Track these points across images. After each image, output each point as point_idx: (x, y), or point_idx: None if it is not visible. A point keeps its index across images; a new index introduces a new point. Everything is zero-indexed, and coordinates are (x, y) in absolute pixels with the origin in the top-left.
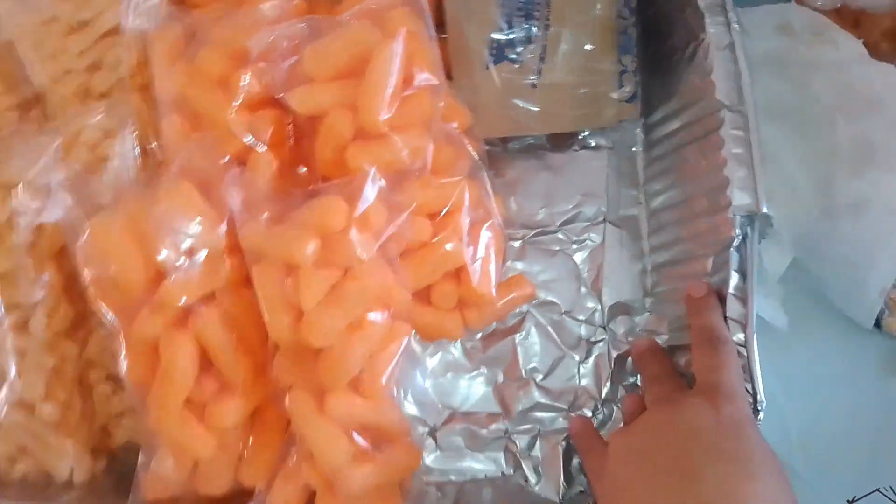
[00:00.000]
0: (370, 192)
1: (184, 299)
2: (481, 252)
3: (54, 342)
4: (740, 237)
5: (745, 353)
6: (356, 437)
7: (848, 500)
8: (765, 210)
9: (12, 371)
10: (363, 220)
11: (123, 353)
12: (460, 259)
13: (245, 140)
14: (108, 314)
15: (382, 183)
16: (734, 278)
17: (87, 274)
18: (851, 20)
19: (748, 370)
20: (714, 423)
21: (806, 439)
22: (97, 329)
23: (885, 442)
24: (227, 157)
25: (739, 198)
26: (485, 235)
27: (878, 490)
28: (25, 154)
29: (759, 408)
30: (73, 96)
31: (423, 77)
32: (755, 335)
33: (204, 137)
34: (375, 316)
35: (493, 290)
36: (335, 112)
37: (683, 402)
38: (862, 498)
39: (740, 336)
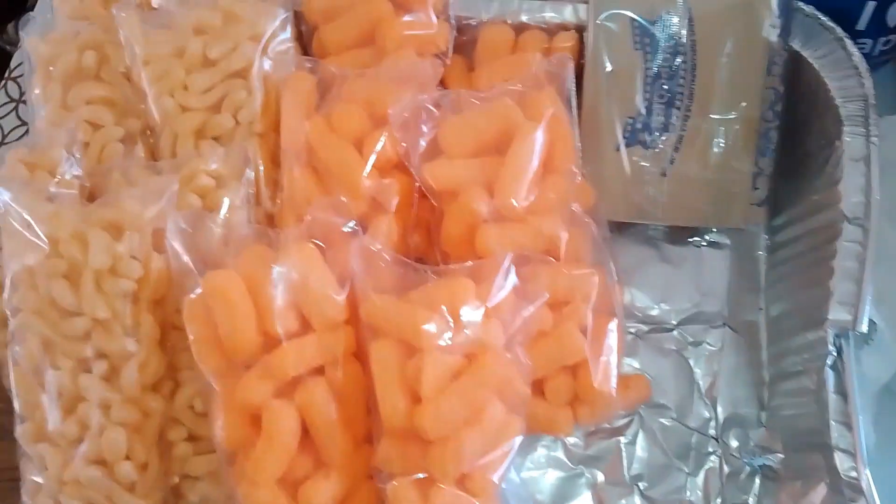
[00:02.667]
0: (505, 279)
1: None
2: (603, 349)
3: (141, 396)
4: (834, 354)
5: (863, 488)
6: None
7: None
8: (864, 330)
9: (95, 424)
10: (494, 306)
11: (220, 417)
12: (581, 354)
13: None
14: (208, 374)
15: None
16: (833, 401)
17: (192, 331)
18: None
19: None
20: None
21: None
22: (184, 385)
23: None
24: (352, 222)
25: (837, 312)
26: (608, 331)
27: None
28: (138, 196)
29: None
30: (187, 135)
31: (563, 162)
32: (867, 469)
33: (330, 199)
34: (494, 409)
35: (614, 390)
36: (471, 190)
37: None
38: None
39: (852, 473)
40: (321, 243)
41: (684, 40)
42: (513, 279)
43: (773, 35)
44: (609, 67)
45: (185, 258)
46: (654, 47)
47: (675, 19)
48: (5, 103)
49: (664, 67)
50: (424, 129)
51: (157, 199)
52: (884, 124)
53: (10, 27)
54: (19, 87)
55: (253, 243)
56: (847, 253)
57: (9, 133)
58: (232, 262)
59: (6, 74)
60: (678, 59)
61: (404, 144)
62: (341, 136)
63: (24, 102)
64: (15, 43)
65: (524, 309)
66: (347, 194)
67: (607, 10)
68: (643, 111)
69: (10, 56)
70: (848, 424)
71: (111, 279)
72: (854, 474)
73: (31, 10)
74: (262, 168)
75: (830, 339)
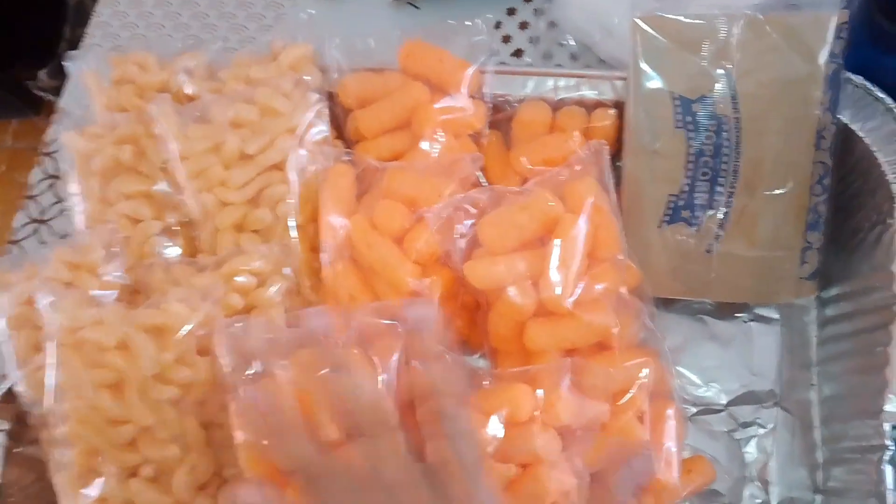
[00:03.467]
0: (560, 385)
1: None
2: (663, 437)
3: (191, 499)
4: (892, 449)
5: None
6: None
7: None
8: None
9: None
10: (550, 413)
11: None
12: (643, 446)
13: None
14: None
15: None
16: (892, 497)
17: (240, 436)
18: None
19: None
20: None
21: None
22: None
23: None
24: (398, 324)
25: (894, 405)
26: (666, 417)
27: None
28: (182, 296)
29: None
30: (227, 229)
31: (607, 250)
32: None
33: (374, 304)
34: None
35: (677, 478)
36: (516, 288)
37: None
38: None
39: None
40: (367, 345)
41: (728, 117)
42: (567, 384)
43: (821, 109)
44: (650, 144)
45: (232, 364)
46: (697, 124)
47: (719, 96)
48: (42, 180)
49: (707, 145)
50: (463, 229)
51: (200, 301)
52: None
53: (41, 73)
54: (56, 164)
55: (297, 347)
56: None
57: (48, 209)
58: (279, 366)
59: (40, 150)
60: (722, 136)
61: (446, 248)
62: (383, 233)
63: (60, 178)
64: (47, 89)
65: (582, 413)
66: (391, 291)
67: (647, 86)
68: (685, 188)
69: (43, 101)
70: None
71: (156, 387)
72: None
73: (61, 57)
74: (301, 258)
75: (888, 432)
